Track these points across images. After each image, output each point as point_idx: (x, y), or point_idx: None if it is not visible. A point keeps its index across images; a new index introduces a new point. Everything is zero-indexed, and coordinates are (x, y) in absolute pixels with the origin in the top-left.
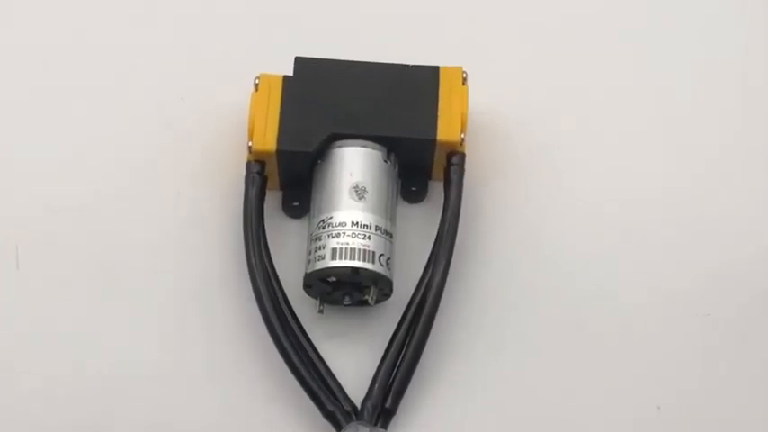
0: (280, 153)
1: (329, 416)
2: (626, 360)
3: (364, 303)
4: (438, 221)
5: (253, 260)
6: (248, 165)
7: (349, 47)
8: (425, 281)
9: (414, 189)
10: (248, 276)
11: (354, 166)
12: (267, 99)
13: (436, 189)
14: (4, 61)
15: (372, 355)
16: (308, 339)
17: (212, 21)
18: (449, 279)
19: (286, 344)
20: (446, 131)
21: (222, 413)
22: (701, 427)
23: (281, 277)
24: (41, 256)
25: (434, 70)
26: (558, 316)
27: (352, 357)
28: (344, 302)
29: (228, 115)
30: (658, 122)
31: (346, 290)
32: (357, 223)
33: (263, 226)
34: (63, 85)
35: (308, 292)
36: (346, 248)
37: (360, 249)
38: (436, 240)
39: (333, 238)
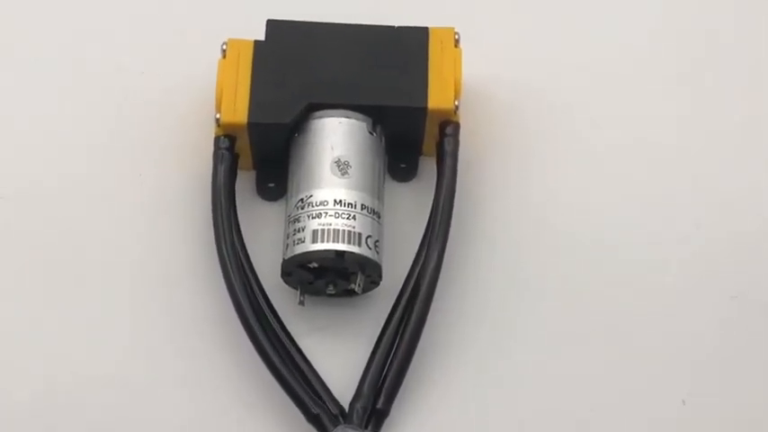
0: (251, 126)
1: (314, 420)
2: (648, 351)
3: (350, 293)
4: (431, 202)
5: (224, 248)
6: (216, 140)
7: (326, 7)
8: (418, 267)
9: (403, 166)
10: (219, 266)
11: (336, 139)
12: (236, 66)
13: (428, 166)
14: None
15: (361, 351)
16: (287, 335)
17: None
18: (444, 265)
19: (263, 340)
20: (438, 98)
21: (191, 421)
22: (728, 423)
23: (256, 266)
24: None
25: (423, 31)
26: (570, 304)
27: (338, 354)
28: (328, 292)
29: (193, 88)
30: (675, 86)
31: (330, 278)
32: (340, 202)
33: (235, 209)
34: (10, 58)
35: (286, 282)
36: (329, 230)
37: (344, 231)
38: (429, 222)
39: (313, 218)
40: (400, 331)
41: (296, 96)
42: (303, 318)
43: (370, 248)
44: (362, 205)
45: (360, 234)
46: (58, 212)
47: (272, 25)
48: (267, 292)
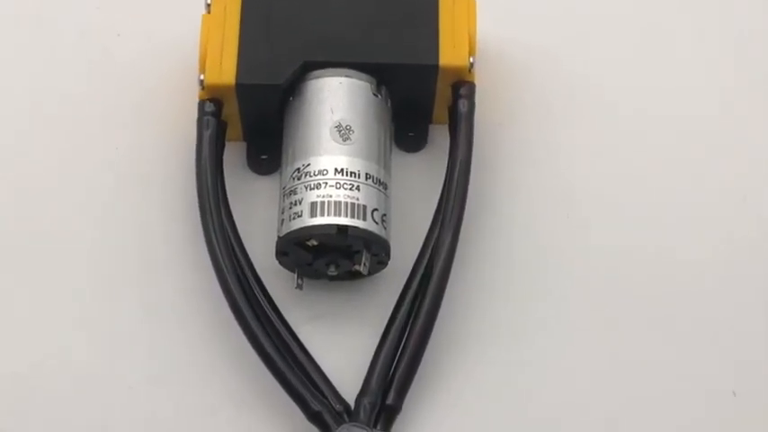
0: (240, 88)
1: (315, 418)
2: (692, 338)
3: (354, 275)
4: (442, 174)
5: (211, 227)
6: (201, 105)
7: None
8: (430, 246)
9: (411, 134)
10: (206, 248)
11: (336, 101)
12: (222, 22)
13: (439, 134)
14: None
15: (367, 341)
16: (284, 323)
17: None
18: (459, 242)
19: (256, 329)
20: (450, 55)
21: (175, 423)
22: None
23: (247, 247)
24: None
25: None
26: (601, 285)
27: (341, 344)
28: (329, 273)
29: (175, 50)
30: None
31: (331, 258)
32: (342, 170)
33: (223, 184)
34: None
35: (282, 263)
36: (329, 202)
37: (347, 203)
38: (442, 196)
39: (312, 189)
40: (411, 318)
41: (290, 54)
42: (301, 304)
43: (376, 223)
44: (367, 174)
45: (364, 207)
46: (25, 186)
47: None
48: (260, 276)
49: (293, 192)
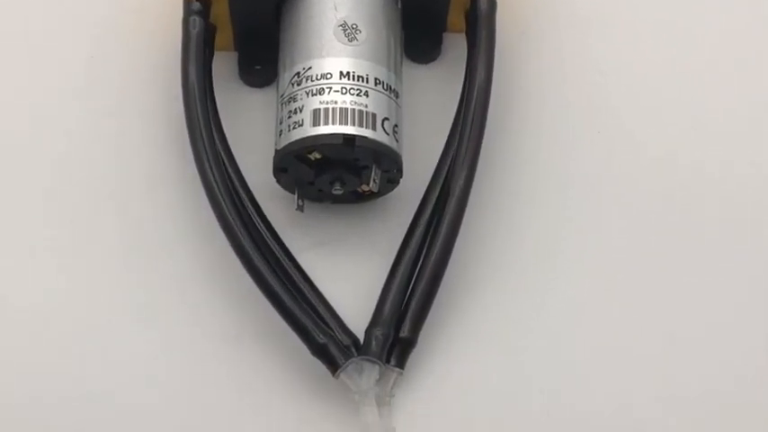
0: None
1: (320, 352)
2: (742, 279)
3: (361, 197)
4: (457, 87)
5: (200, 145)
6: (186, 3)
7: None
8: (447, 164)
9: (423, 44)
10: (195, 168)
11: None
12: None
13: (454, 43)
14: None
15: (376, 270)
16: (284, 250)
17: None
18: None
19: (254, 257)
20: None
21: (167, 360)
22: None
23: (242, 167)
24: None
25: None
26: (634, 212)
27: (348, 273)
28: (333, 192)
29: None
30: None
31: (335, 174)
32: (348, 74)
33: (213, 97)
34: None
35: (280, 182)
36: (333, 109)
37: (353, 110)
38: (460, 110)
39: (314, 95)
40: (428, 242)
41: None
42: (303, 229)
43: (387, 134)
44: (376, 79)
45: (374, 115)
46: None
47: None
48: (257, 198)
49: (293, 99)
